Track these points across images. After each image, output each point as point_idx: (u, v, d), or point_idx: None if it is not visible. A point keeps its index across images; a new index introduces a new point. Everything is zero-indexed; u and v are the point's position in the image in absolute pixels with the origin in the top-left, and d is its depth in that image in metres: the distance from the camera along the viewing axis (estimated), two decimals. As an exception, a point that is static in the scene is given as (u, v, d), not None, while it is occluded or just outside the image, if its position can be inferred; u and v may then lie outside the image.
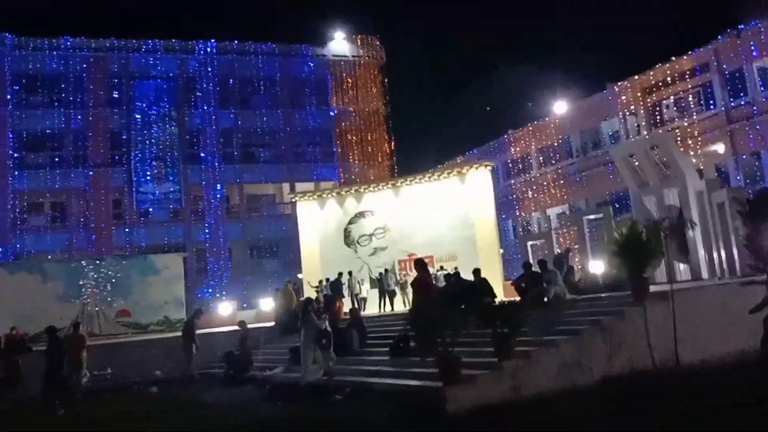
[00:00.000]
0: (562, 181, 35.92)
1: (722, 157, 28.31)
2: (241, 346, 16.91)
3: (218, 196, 36.64)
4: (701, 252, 17.00)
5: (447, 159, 42.24)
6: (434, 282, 15.63)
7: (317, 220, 27.30)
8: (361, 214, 27.17)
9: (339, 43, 40.44)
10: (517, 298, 13.25)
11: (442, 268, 22.97)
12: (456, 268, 20.81)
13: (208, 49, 37.68)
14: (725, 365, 10.56)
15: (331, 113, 39.27)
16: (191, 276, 34.27)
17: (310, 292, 23.41)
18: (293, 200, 28.93)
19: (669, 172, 18.67)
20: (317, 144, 39.14)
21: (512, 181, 39.32)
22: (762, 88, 27.19)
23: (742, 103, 27.64)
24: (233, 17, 76.94)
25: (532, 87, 49.92)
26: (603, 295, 13.04)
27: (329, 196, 27.64)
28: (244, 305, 33.98)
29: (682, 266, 17.59)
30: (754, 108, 27.06)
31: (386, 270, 24.16)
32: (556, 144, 36.82)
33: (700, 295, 11.68)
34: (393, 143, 40.41)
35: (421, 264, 13.04)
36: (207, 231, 35.95)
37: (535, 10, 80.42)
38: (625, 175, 20.05)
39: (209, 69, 37.45)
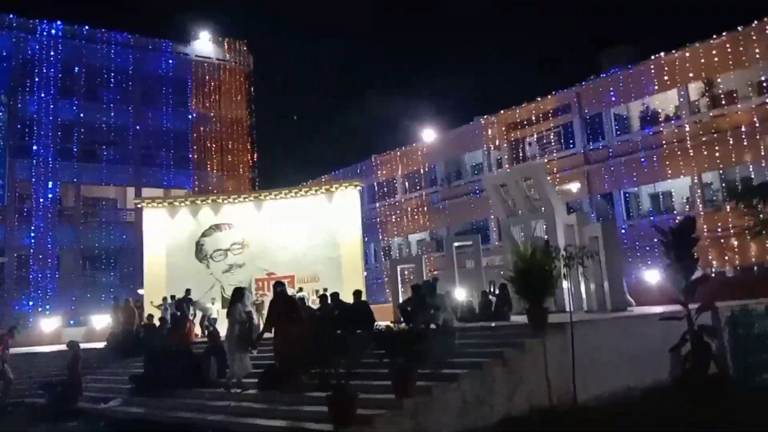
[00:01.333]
0: (425, 208, 35.95)
1: (577, 196, 29.57)
2: (71, 370, 14.03)
3: (50, 196, 32.18)
4: (565, 284, 17.01)
5: (311, 177, 40.92)
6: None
7: (166, 230, 24.62)
8: (217, 227, 24.93)
9: (204, 44, 37.84)
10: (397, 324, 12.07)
11: (301, 289, 21.48)
12: (325, 289, 19.35)
13: (53, 31, 33.39)
14: (619, 403, 10.06)
15: (190, 116, 36.37)
16: (8, 285, 29.65)
17: (151, 311, 20.76)
18: (139, 206, 25.91)
19: (538, 204, 18.80)
20: (171, 148, 35.87)
21: (377, 205, 38.78)
22: (618, 133, 28.88)
23: (600, 145, 29.17)
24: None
25: (401, 113, 50.41)
26: (493, 324, 12.25)
27: (182, 204, 25.11)
28: (71, 321, 29.98)
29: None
30: (610, 151, 28.66)
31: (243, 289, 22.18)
32: (422, 171, 36.87)
33: (594, 329, 11.19)
34: (256, 155, 38.28)
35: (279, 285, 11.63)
36: (33, 234, 31.32)
37: (413, 40, 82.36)
38: (495, 204, 20.03)
39: (52, 53, 33.12)
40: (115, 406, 12.37)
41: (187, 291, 20.31)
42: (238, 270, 24.31)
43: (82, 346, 16.33)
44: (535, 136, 31.79)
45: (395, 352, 8.35)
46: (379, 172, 39.00)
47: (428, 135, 36.75)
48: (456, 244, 21.75)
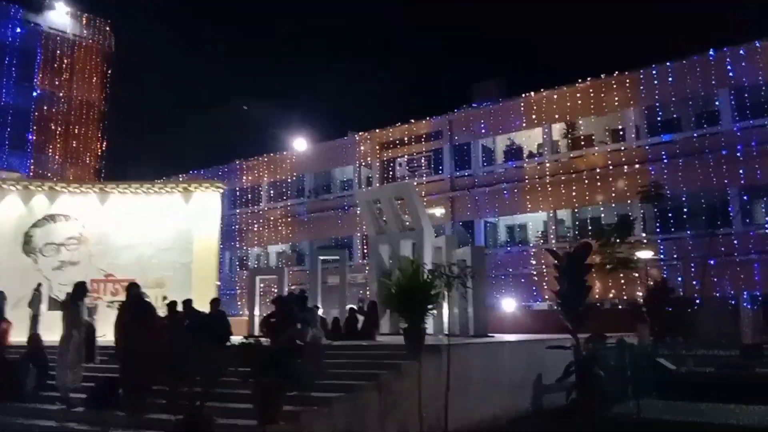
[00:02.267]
0: (289, 219, 34.69)
1: (440, 220, 29.92)
2: None
3: None
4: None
5: (165, 176, 38.04)
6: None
7: (-11, 215, 21.38)
8: (51, 218, 22.04)
9: (59, 16, 34.28)
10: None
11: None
12: (166, 297, 17.59)
13: None
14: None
15: (34, 92, 32.58)
16: None
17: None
18: (-42, 184, 22.29)
19: (408, 224, 18.55)
20: (8, 125, 31.83)
21: (237, 211, 36.84)
22: (484, 163, 29.68)
23: (466, 174, 29.79)
24: None
25: (271, 120, 48.73)
26: (364, 343, 11.46)
27: (13, 187, 21.97)
28: None
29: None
30: (475, 180, 29.35)
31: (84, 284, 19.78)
32: (289, 180, 35.68)
33: (469, 353, 10.77)
34: (105, 144, 35.03)
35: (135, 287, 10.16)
36: None
37: (290, 45, 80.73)
38: (366, 220, 19.53)
39: None
40: None
41: None
42: (71, 268, 21.52)
43: None
44: (406, 157, 31.92)
45: (261, 371, 7.25)
46: (243, 178, 37.21)
47: (299, 144, 35.66)
48: (322, 257, 20.85)
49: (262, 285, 22.94)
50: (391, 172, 32.13)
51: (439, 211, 29.81)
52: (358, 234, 31.99)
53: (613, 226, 20.82)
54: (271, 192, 36.48)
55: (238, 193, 37.24)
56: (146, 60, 77.46)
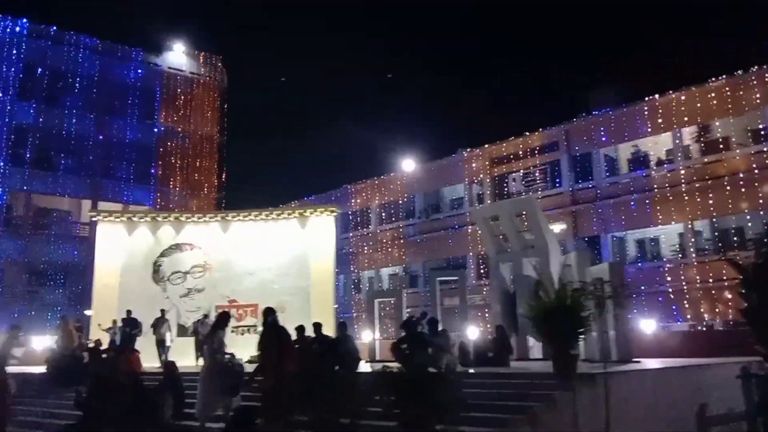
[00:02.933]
0: (401, 241, 34.26)
1: (561, 237, 28.30)
2: None
3: (-3, 203, 29.57)
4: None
5: (279, 204, 38.92)
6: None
7: (122, 247, 22.46)
8: (177, 247, 22.91)
9: (177, 56, 36.04)
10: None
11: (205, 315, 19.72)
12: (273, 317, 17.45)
13: (17, 29, 31.19)
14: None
15: (156, 129, 34.31)
16: (-60, 297, 26.76)
17: (100, 335, 18.54)
18: (94, 219, 23.59)
19: (531, 241, 17.38)
20: (134, 161, 33.65)
21: (349, 235, 36.90)
22: (607, 174, 27.87)
23: (588, 186, 28.08)
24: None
25: (379, 143, 49.03)
26: (502, 370, 10.52)
27: (141, 220, 23.03)
28: (9, 341, 27.08)
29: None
30: (598, 192, 27.57)
31: (205, 316, 20.33)
32: (399, 202, 35.31)
33: (626, 380, 9.58)
34: (224, 175, 36.28)
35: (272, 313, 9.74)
36: (-25, 243, 28.59)
37: (394, 67, 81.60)
38: (484, 238, 18.50)
39: (14, 51, 30.86)
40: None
41: (128, 312, 18.11)
42: (197, 295, 22.32)
43: (21, 369, 14.02)
44: (521, 172, 30.56)
45: (407, 400, 6.55)
46: (353, 201, 37.30)
47: (408, 165, 35.31)
48: (439, 278, 20.07)
49: (382, 306, 22.56)
50: (504, 188, 30.90)
51: (558, 227, 28.21)
52: (471, 254, 30.93)
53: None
54: (382, 214, 36.25)
55: (349, 217, 37.34)
56: (255, 91, 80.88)
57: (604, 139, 27.60)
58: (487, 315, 23.06)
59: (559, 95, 69.29)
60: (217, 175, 36.12)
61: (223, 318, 10.00)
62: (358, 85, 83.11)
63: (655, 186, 25.95)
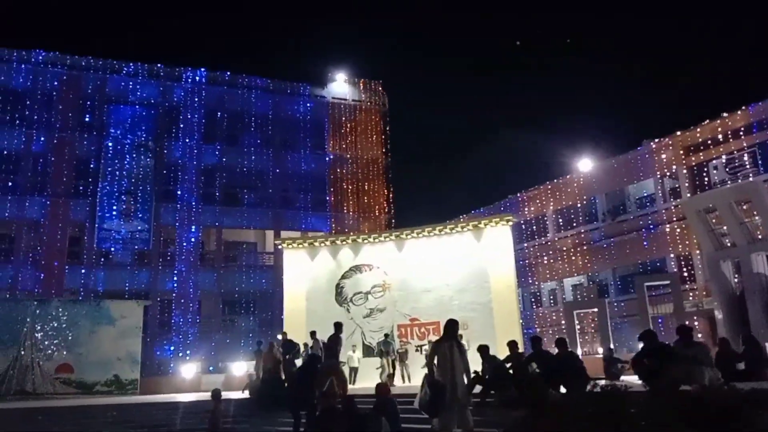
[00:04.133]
0: (584, 247, 32.02)
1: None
2: (212, 425, 12.04)
3: (193, 239, 32.11)
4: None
5: (447, 219, 38.45)
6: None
7: (306, 272, 23.33)
8: (357, 268, 23.31)
9: (339, 86, 37.23)
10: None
11: (431, 342, 18.86)
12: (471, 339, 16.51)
13: (197, 78, 34.08)
14: None
15: (327, 158, 35.56)
16: (152, 329, 29.44)
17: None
18: (280, 247, 24.69)
19: (759, 233, 14.98)
20: (309, 190, 35.13)
21: (524, 245, 35.34)
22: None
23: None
24: (227, 48, 74.17)
25: (543, 149, 47.06)
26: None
27: (322, 244, 23.71)
28: (211, 368, 29.17)
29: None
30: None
31: (386, 335, 20.38)
32: (578, 206, 33.13)
33: None
34: (392, 196, 36.61)
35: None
36: (176, 278, 31.24)
37: (562, 64, 78.88)
38: (699, 234, 16.32)
39: (196, 99, 33.75)
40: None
41: (312, 333, 18.24)
42: (379, 315, 22.52)
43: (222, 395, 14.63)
44: (723, 158, 26.86)
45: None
46: (525, 209, 35.72)
47: (584, 165, 33.07)
48: (647, 283, 18.13)
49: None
50: (705, 179, 27.46)
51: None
52: (672, 255, 27.92)
53: None
54: (559, 220, 34.26)
55: (522, 227, 35.82)
56: (415, 110, 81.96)
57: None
58: (696, 323, 20.45)
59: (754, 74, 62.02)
60: (385, 196, 36.54)
61: (452, 327, 9.27)
62: (514, 90, 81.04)
63: None
